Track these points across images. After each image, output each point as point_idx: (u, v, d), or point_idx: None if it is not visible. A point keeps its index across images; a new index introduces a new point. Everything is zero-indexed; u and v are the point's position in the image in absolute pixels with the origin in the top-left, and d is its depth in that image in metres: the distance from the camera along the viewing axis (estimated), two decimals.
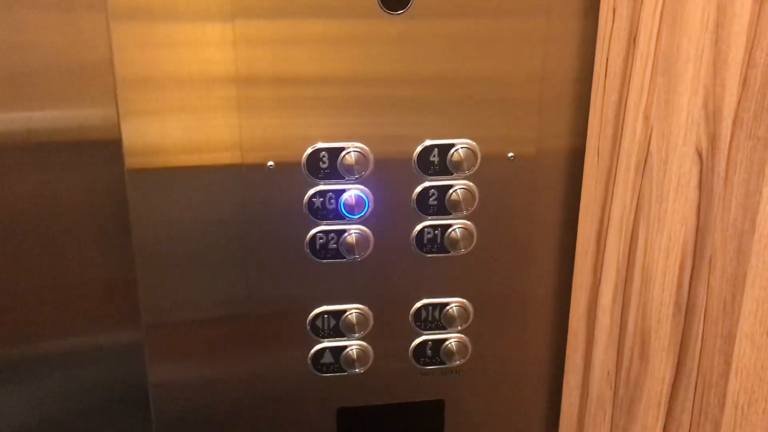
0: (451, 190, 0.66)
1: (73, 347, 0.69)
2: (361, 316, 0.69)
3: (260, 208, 0.65)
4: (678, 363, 0.57)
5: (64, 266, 0.66)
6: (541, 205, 0.68)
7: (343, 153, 0.64)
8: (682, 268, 0.55)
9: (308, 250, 0.66)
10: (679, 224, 0.54)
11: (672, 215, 0.55)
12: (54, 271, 0.66)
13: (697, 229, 0.53)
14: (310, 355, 0.70)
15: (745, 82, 0.47)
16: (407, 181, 0.66)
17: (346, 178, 0.64)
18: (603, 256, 0.64)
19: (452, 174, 0.66)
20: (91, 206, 0.65)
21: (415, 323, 0.70)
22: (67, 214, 0.65)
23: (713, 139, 0.50)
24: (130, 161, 0.62)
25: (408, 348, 0.71)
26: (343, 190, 0.65)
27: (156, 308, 0.67)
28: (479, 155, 0.65)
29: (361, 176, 0.64)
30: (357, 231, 0.66)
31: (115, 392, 0.71)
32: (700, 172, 0.52)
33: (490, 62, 0.63)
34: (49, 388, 0.70)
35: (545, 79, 0.64)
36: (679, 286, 0.55)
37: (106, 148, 0.62)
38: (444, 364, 0.72)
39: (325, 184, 0.65)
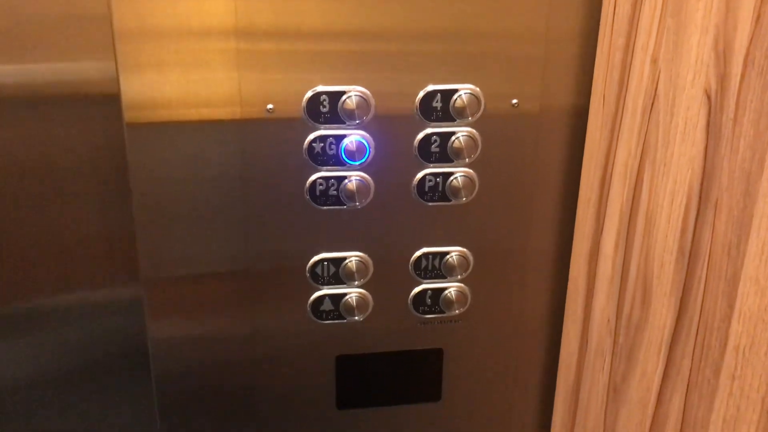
0: (453, 137, 0.65)
1: (72, 303, 0.69)
2: (361, 263, 0.69)
3: (260, 155, 0.64)
4: (680, 308, 0.57)
5: (62, 221, 0.65)
6: (544, 155, 0.68)
7: (344, 97, 0.63)
8: (686, 212, 0.54)
9: (308, 197, 0.66)
10: (685, 168, 0.54)
11: (678, 159, 0.54)
12: (52, 225, 0.66)
13: (704, 172, 0.52)
14: (309, 302, 0.70)
15: (758, 19, 0.46)
16: (409, 127, 0.65)
17: (347, 123, 0.64)
18: (606, 203, 0.63)
19: (455, 121, 0.65)
20: (90, 160, 0.64)
21: (415, 272, 0.70)
22: (65, 168, 0.64)
23: (723, 79, 0.49)
24: (129, 115, 0.61)
25: (407, 296, 0.71)
26: (344, 136, 0.64)
27: (155, 263, 0.67)
28: (483, 102, 0.64)
29: (362, 122, 0.64)
30: (357, 178, 0.65)
31: (115, 347, 0.71)
32: (708, 114, 0.51)
33: (495, 17, 0.62)
34: (47, 344, 0.70)
35: (550, 34, 0.63)
36: (684, 230, 0.55)
37: (105, 102, 0.61)
38: (443, 313, 0.72)
39: (325, 129, 0.64)
